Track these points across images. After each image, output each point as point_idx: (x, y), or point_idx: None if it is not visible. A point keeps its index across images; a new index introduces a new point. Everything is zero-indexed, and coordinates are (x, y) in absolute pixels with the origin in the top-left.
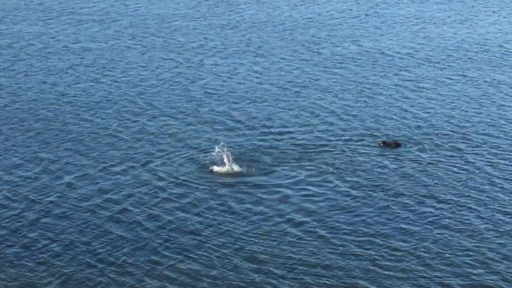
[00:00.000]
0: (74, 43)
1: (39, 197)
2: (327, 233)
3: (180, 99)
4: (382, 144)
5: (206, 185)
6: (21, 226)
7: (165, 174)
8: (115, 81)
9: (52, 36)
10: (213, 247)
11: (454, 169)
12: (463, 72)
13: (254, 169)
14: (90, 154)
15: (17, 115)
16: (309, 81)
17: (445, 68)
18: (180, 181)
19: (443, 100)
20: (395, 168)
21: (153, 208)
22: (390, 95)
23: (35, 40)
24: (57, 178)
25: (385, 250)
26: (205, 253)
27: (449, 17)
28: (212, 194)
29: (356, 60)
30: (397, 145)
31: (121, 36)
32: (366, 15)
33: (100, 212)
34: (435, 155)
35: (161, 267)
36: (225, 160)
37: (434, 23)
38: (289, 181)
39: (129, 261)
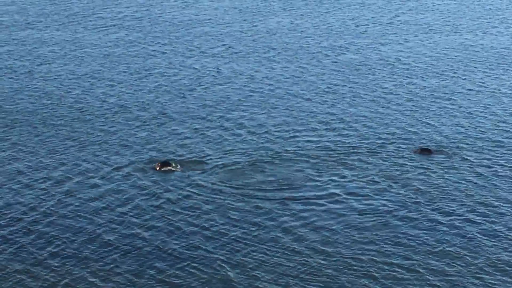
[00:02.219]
0: (95, 49)
1: (39, 203)
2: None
3: (194, 105)
4: (417, 152)
5: (217, 194)
6: (17, 231)
7: (173, 181)
8: (131, 87)
9: (74, 41)
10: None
11: (492, 177)
12: (495, 79)
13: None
14: (95, 160)
15: (29, 120)
16: (330, 87)
17: (467, 77)
18: (189, 189)
19: (470, 108)
20: (427, 176)
21: (154, 215)
22: (412, 103)
23: (57, 45)
24: (58, 183)
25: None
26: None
27: (472, 25)
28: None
29: (378, 68)
30: (429, 152)
31: (142, 42)
32: (388, 23)
33: (97, 218)
34: (472, 162)
35: (165, 275)
36: None
37: (455, 32)
38: (319, 189)
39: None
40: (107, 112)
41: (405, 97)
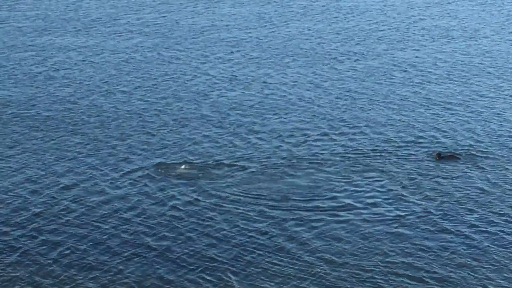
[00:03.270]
0: (113, 54)
1: (46, 209)
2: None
3: (208, 111)
4: (438, 158)
5: (228, 201)
6: (22, 237)
7: (181, 187)
8: (146, 93)
9: (91, 47)
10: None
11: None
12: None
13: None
14: (105, 166)
15: (43, 125)
16: (346, 93)
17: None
18: (197, 196)
19: (486, 114)
20: (443, 182)
21: (161, 221)
22: (428, 109)
23: (74, 51)
24: (66, 189)
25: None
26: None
27: (490, 31)
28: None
29: (394, 73)
30: (453, 158)
31: (159, 48)
32: (406, 29)
33: (103, 224)
34: (496, 169)
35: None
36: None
37: (472, 38)
38: (331, 197)
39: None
40: (120, 118)
41: (421, 103)
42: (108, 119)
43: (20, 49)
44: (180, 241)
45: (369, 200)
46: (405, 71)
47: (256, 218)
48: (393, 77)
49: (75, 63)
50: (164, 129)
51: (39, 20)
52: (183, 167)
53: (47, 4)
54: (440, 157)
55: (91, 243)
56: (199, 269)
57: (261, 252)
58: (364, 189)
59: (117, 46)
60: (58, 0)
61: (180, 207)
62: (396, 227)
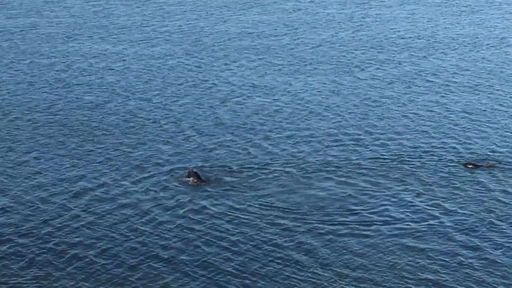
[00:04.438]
0: (137, 61)
1: (55, 217)
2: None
3: (227, 118)
4: (469, 166)
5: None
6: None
7: (193, 194)
8: (164, 101)
9: (115, 54)
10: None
11: None
12: None
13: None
14: (117, 173)
15: (58, 132)
16: (366, 101)
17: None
18: (208, 203)
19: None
20: (481, 191)
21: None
22: (452, 118)
23: (96, 58)
24: (76, 197)
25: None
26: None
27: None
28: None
29: (417, 81)
30: (474, 166)
31: (181, 55)
32: (430, 37)
33: (111, 232)
34: None
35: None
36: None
37: (497, 46)
38: (347, 208)
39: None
40: (139, 125)
41: (443, 112)
42: (128, 126)
43: (43, 55)
44: (190, 250)
45: (393, 213)
46: (428, 80)
47: (268, 227)
48: (418, 86)
49: (98, 70)
50: (182, 136)
51: (66, 27)
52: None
53: (76, 10)
54: (474, 165)
55: (100, 251)
56: (209, 280)
57: (274, 264)
58: (387, 199)
59: (141, 53)
60: (87, 7)
61: (193, 216)
62: (413, 241)
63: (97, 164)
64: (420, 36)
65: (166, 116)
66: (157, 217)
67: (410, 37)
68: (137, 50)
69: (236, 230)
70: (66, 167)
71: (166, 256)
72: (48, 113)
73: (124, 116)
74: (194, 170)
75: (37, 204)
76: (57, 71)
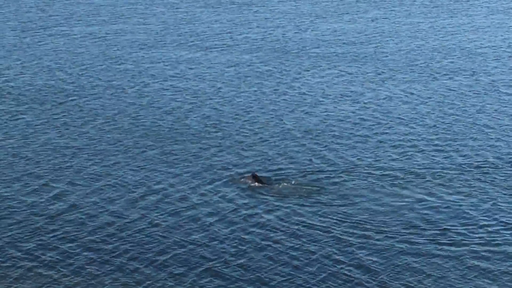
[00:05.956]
0: (209, 68)
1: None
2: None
3: (293, 125)
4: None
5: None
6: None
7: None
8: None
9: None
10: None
11: None
12: None
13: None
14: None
15: (124, 138)
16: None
17: None
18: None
19: None
20: None
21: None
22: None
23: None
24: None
25: None
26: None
27: None
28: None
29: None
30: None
31: (256, 62)
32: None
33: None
34: None
35: None
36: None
37: None
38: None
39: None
40: (203, 131)
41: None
42: (195, 132)
43: (121, 61)
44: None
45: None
46: (497, 90)
47: (321, 238)
48: (479, 96)
49: (171, 76)
50: (248, 142)
51: (148, 34)
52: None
53: (160, 17)
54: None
55: (150, 259)
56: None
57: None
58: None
59: (215, 61)
60: (172, 14)
61: (251, 223)
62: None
63: (159, 170)
64: (503, 46)
65: (233, 123)
66: (213, 224)
67: (497, 47)
68: (212, 58)
69: (295, 241)
70: (127, 173)
71: (218, 267)
72: (116, 119)
73: (192, 122)
74: (255, 173)
75: (94, 209)
76: (130, 77)
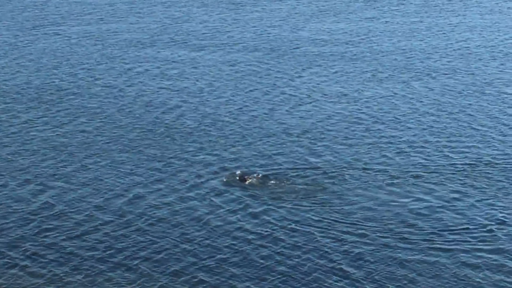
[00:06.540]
0: (207, 67)
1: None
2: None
3: (284, 124)
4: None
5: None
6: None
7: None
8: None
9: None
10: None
11: None
12: None
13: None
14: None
15: (121, 138)
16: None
17: None
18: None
19: None
20: None
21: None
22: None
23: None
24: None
25: None
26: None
27: None
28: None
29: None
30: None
31: (254, 62)
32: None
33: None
34: None
35: None
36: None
37: None
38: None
39: None
40: (202, 130)
41: None
42: (192, 132)
43: (112, 61)
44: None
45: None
46: (498, 91)
47: (317, 236)
48: (482, 97)
49: (167, 75)
50: (244, 141)
51: (145, 32)
52: (255, 179)
53: (157, 16)
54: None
55: (147, 257)
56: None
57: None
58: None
59: (213, 60)
60: (169, 13)
61: (249, 223)
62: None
63: (156, 169)
64: (485, 46)
65: (233, 122)
66: (211, 223)
67: (492, 46)
68: (210, 57)
69: (291, 240)
70: (124, 171)
71: (214, 265)
72: (113, 119)
73: (190, 122)
74: (244, 175)
75: (91, 210)
76: (127, 76)
